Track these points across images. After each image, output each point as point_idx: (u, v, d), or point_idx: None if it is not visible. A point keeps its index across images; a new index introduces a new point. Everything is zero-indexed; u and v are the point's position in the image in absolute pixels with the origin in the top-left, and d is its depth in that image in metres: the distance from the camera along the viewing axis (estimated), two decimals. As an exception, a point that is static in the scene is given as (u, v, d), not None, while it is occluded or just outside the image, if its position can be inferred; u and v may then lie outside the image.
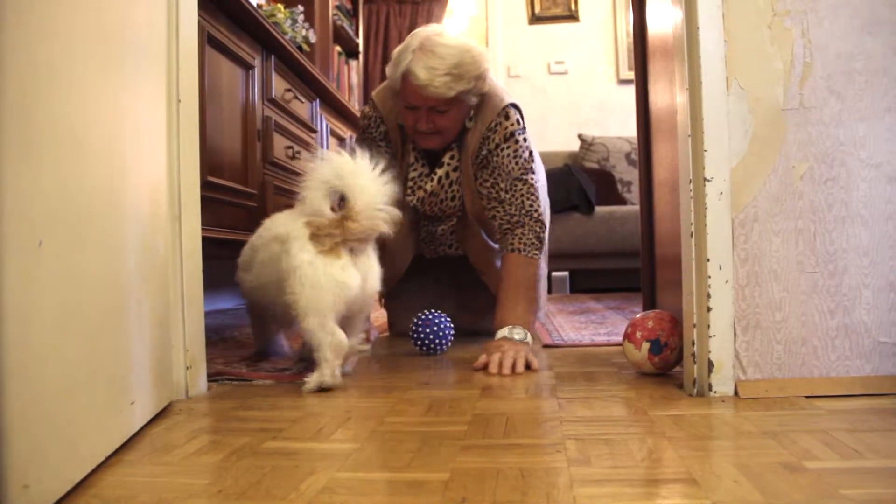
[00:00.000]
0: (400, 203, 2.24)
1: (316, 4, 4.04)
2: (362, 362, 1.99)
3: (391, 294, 2.52)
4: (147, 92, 1.35)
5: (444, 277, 2.52)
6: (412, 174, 2.21)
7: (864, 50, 1.44)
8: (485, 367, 1.82)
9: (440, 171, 2.19)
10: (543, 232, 2.14)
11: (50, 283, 0.90)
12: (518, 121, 2.14)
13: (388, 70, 2.09)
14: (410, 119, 2.07)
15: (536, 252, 2.10)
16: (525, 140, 2.15)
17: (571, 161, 4.91)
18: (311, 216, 1.63)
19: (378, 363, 1.99)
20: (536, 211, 2.13)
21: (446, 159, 2.19)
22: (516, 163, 2.12)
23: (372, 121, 2.22)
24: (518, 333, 1.93)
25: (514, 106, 2.15)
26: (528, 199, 2.12)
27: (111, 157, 1.13)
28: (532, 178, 2.14)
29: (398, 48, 2.06)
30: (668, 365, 1.65)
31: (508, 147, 2.12)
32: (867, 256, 1.44)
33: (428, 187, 2.21)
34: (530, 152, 2.18)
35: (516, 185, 2.12)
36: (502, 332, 1.95)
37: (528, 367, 1.82)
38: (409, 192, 2.22)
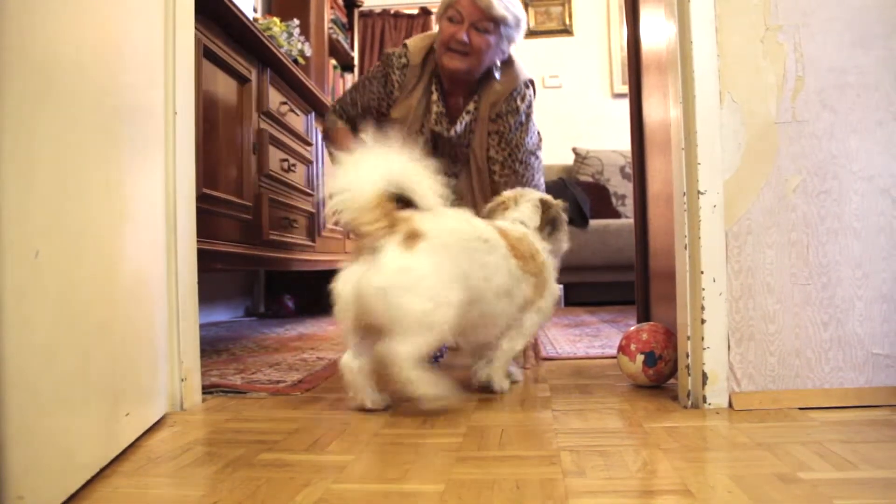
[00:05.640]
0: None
1: (311, 18, 4.06)
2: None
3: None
4: (144, 104, 1.36)
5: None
6: (435, 109, 2.28)
7: (856, 64, 1.46)
8: None
9: (467, 117, 2.29)
10: None
11: (46, 293, 0.90)
12: (531, 103, 2.31)
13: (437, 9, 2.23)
14: (448, 32, 2.15)
15: None
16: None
17: (566, 175, 4.93)
18: None
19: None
20: (543, 187, 2.28)
21: (471, 107, 2.28)
22: (531, 138, 2.28)
23: (396, 54, 2.30)
24: None
25: (532, 83, 2.33)
26: (538, 174, 2.29)
27: (108, 167, 1.13)
28: (541, 155, 2.35)
29: None
30: (662, 377, 1.65)
31: (523, 117, 2.26)
32: (860, 268, 1.45)
33: (452, 133, 2.29)
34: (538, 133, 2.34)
35: (530, 160, 2.27)
36: None
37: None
38: (434, 122, 2.29)
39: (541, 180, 2.29)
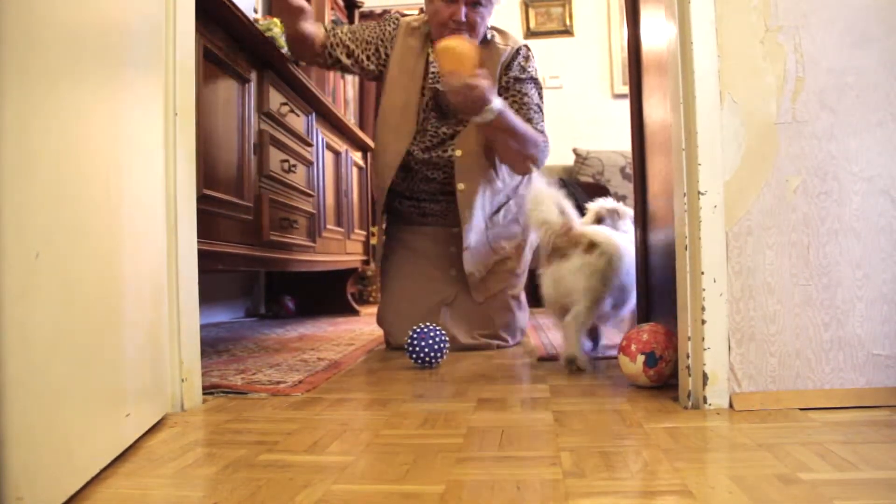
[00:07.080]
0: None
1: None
2: (356, 374, 1.99)
3: (385, 309, 2.56)
4: (144, 105, 1.36)
5: (437, 291, 2.52)
6: (433, 70, 2.54)
7: (855, 65, 1.46)
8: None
9: None
10: (545, 154, 2.52)
11: (46, 294, 0.90)
12: (533, 64, 2.60)
13: None
14: (446, 12, 2.41)
15: (532, 153, 2.45)
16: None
17: (566, 175, 4.93)
18: None
19: (373, 376, 1.99)
20: (546, 138, 2.54)
21: None
22: (535, 95, 2.56)
23: (390, 21, 2.61)
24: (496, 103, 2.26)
25: (528, 47, 2.63)
26: (541, 124, 2.54)
27: (108, 169, 1.13)
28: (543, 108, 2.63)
29: None
30: (662, 377, 1.65)
31: (531, 77, 2.55)
32: (860, 269, 1.45)
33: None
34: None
35: (535, 117, 2.52)
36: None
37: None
38: (433, 83, 2.53)
39: (543, 126, 2.55)
